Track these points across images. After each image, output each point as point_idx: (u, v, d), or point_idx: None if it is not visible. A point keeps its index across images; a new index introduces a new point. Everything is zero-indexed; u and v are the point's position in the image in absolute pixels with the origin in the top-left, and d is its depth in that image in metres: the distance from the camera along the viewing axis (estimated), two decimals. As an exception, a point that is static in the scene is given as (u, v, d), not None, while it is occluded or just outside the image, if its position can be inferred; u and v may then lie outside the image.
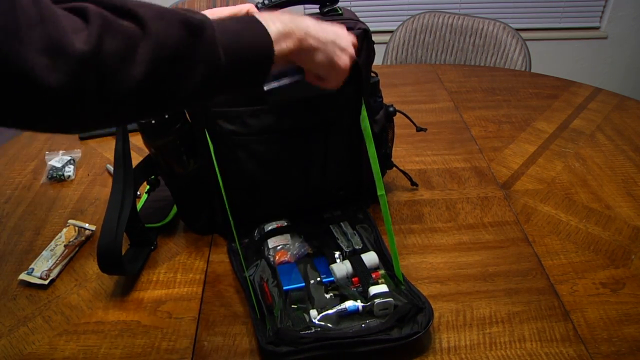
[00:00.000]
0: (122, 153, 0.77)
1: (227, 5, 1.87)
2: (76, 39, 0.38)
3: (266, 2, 0.72)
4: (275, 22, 0.55)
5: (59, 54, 0.37)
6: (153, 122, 0.71)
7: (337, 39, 0.63)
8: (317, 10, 0.75)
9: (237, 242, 0.76)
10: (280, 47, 0.55)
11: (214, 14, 0.69)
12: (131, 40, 0.42)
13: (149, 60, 0.42)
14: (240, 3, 1.83)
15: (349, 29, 0.72)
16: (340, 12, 0.74)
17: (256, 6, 0.72)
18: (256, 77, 0.55)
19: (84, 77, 0.39)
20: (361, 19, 0.75)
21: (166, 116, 0.72)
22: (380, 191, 0.71)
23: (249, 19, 0.54)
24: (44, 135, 1.15)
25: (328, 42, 0.61)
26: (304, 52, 0.59)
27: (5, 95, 0.37)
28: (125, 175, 0.74)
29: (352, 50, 0.65)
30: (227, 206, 0.73)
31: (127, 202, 0.75)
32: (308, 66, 0.62)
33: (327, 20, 0.65)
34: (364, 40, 0.73)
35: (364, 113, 0.74)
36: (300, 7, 0.74)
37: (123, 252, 0.77)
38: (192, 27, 0.46)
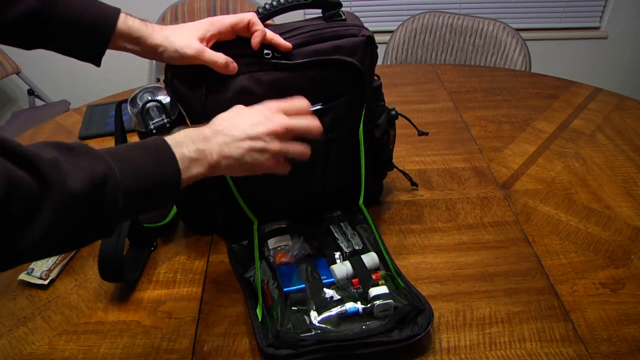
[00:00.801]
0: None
1: (227, 4, 1.87)
2: None
3: (267, 7, 0.72)
4: (187, 146, 0.55)
5: None
6: (154, 131, 0.70)
7: (254, 143, 0.60)
8: (320, 14, 0.75)
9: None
10: (190, 173, 0.56)
11: (214, 23, 0.68)
12: (33, 202, 0.42)
13: (48, 223, 0.43)
14: (240, 5, 1.83)
15: (352, 35, 0.71)
16: (343, 16, 0.73)
17: (257, 12, 0.71)
18: (161, 204, 0.56)
19: None
20: (361, 19, 0.75)
21: (165, 120, 0.71)
22: (361, 200, 0.70)
23: (158, 147, 0.54)
24: (43, 135, 1.15)
25: (245, 155, 0.60)
26: (217, 172, 0.60)
27: None
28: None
29: (272, 146, 0.61)
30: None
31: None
32: (229, 175, 0.62)
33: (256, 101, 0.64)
34: (368, 46, 0.72)
35: (361, 128, 0.73)
36: (300, 11, 0.74)
37: (123, 252, 0.78)
38: (95, 184, 0.46)
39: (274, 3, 0.71)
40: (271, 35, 0.68)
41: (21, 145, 0.43)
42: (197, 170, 0.57)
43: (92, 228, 0.48)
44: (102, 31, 0.66)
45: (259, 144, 0.61)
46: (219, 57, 0.67)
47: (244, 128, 0.61)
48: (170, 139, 0.55)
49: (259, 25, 0.68)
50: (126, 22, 0.67)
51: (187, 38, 0.67)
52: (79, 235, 0.47)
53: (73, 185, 0.44)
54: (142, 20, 0.69)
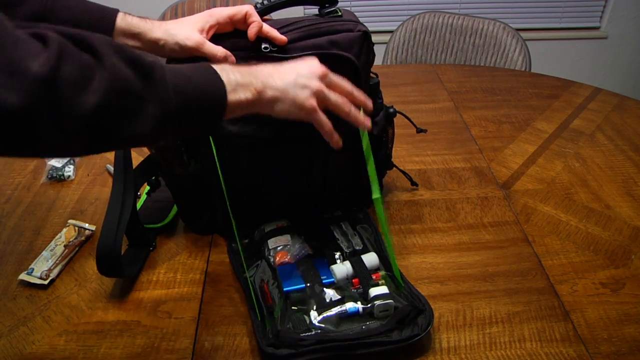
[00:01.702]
0: (123, 154, 0.77)
1: (227, 4, 1.87)
2: (34, 62, 0.39)
3: (265, 2, 0.72)
4: (233, 72, 0.56)
5: (16, 75, 0.39)
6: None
7: (298, 78, 0.61)
8: (317, 11, 0.75)
9: (238, 243, 0.76)
10: (237, 97, 0.55)
11: (213, 14, 0.69)
12: (87, 69, 0.43)
13: (102, 90, 0.43)
14: (240, 3, 1.83)
15: (348, 30, 0.72)
16: (340, 13, 0.74)
17: (255, 6, 0.72)
18: (208, 122, 0.56)
19: (38, 99, 0.40)
20: (361, 19, 0.75)
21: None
22: (376, 195, 0.70)
23: (203, 65, 0.55)
24: (43, 135, 1.15)
25: (288, 88, 0.60)
26: (264, 103, 0.59)
27: None
28: (126, 177, 0.74)
29: (314, 84, 0.62)
30: (228, 207, 0.72)
31: (127, 205, 0.75)
32: (271, 114, 0.61)
33: (295, 57, 0.65)
34: (364, 42, 0.73)
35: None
36: (300, 7, 0.74)
37: (122, 252, 0.78)
38: (143, 67, 0.47)
39: None
40: (267, 28, 0.69)
41: (74, 29, 0.45)
42: (244, 94, 0.56)
43: (147, 116, 0.47)
44: (102, 29, 0.67)
45: (302, 80, 0.61)
46: (219, 50, 0.68)
47: (290, 66, 0.62)
48: (214, 65, 0.56)
49: (255, 17, 0.69)
50: (125, 19, 0.68)
51: (187, 30, 0.68)
52: (133, 121, 0.47)
53: (123, 66, 0.45)
54: (141, 17, 0.70)
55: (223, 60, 0.68)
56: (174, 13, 1.89)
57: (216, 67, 0.55)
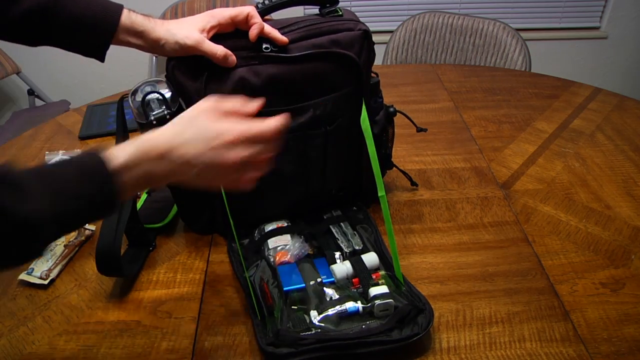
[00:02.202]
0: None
1: (227, 4, 1.87)
2: None
3: (266, 2, 0.72)
4: (132, 170, 0.51)
5: None
6: (154, 122, 0.71)
7: (201, 173, 0.54)
8: (317, 11, 0.75)
9: (238, 242, 0.76)
10: (131, 191, 0.52)
11: (214, 15, 0.69)
12: None
13: None
14: (241, 2, 1.83)
15: (348, 29, 0.72)
16: (340, 12, 0.74)
17: (256, 6, 0.72)
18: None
19: None
20: (361, 19, 0.75)
21: (165, 112, 0.72)
22: (381, 192, 0.71)
23: (97, 176, 0.49)
24: (43, 135, 1.15)
25: (193, 178, 0.54)
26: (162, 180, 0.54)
27: None
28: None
29: (239, 145, 0.54)
30: (227, 207, 0.72)
31: (126, 205, 0.75)
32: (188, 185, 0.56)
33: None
34: (364, 40, 0.73)
35: (364, 114, 0.73)
36: (301, 7, 0.74)
37: (122, 252, 0.78)
38: (16, 232, 0.44)
39: None
40: (269, 29, 0.69)
41: None
42: (133, 183, 0.52)
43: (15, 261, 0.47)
44: (106, 26, 0.67)
45: (223, 138, 0.54)
46: (218, 49, 0.68)
47: (198, 155, 0.54)
48: (116, 159, 0.50)
49: (257, 19, 0.69)
50: (129, 16, 0.68)
51: (187, 30, 0.68)
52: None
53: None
54: (144, 15, 0.70)
55: (223, 59, 0.68)
56: (174, 13, 1.89)
57: (118, 165, 0.50)
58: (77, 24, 0.67)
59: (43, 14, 0.65)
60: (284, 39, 0.70)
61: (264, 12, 0.72)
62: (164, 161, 0.53)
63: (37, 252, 0.48)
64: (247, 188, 0.58)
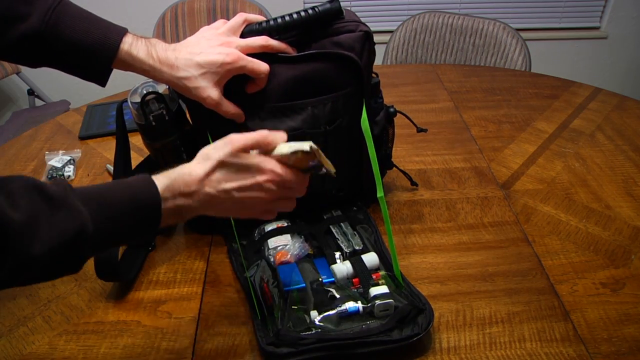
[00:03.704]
0: (122, 154, 0.77)
1: (227, 5, 1.87)
2: None
3: (271, 22, 0.71)
4: (175, 202, 0.54)
5: None
6: (153, 123, 0.71)
7: (235, 200, 0.57)
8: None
9: (238, 242, 0.76)
10: (166, 223, 0.54)
11: (231, 71, 0.67)
12: None
13: (4, 279, 0.44)
14: (241, 5, 1.83)
15: (349, 31, 0.72)
16: (342, 15, 0.74)
17: (252, 28, 0.71)
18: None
19: None
20: (361, 19, 0.75)
21: (166, 117, 0.72)
22: (380, 193, 0.71)
23: (145, 207, 0.53)
24: (43, 135, 1.15)
25: (228, 211, 0.58)
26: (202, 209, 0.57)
27: None
28: (125, 177, 0.74)
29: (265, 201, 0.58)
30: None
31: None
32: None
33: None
34: (365, 41, 0.73)
35: (364, 115, 0.73)
36: (300, 1, 0.74)
37: (121, 252, 0.78)
38: (62, 244, 0.45)
39: (279, 21, 0.70)
40: (276, 46, 0.70)
41: None
42: (171, 220, 0.55)
43: (49, 276, 0.49)
44: (104, 56, 0.64)
45: (248, 196, 0.58)
46: (231, 110, 0.68)
47: (229, 188, 0.57)
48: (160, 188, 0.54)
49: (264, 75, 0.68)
50: (130, 52, 0.64)
51: (206, 90, 0.65)
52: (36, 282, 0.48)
53: (38, 250, 0.44)
54: (147, 44, 0.66)
55: (234, 117, 0.69)
56: (174, 13, 1.89)
57: (167, 197, 0.54)
58: (74, 51, 0.64)
59: (38, 40, 0.63)
60: (293, 50, 0.71)
61: (264, 32, 0.71)
62: (193, 198, 0.55)
63: (78, 266, 0.50)
64: (270, 217, 0.62)
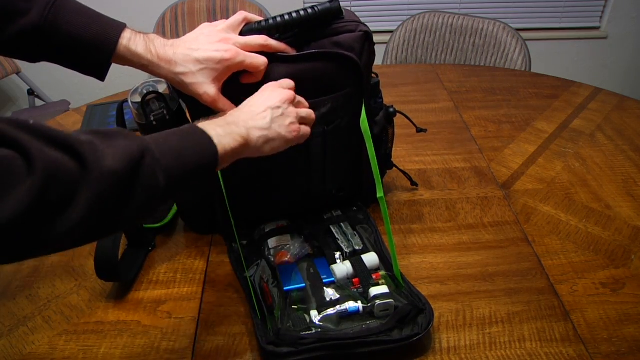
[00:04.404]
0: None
1: (227, 5, 1.87)
2: (15, 195, 0.38)
3: (271, 21, 0.71)
4: (216, 128, 0.56)
5: None
6: (154, 122, 0.71)
7: (274, 112, 0.62)
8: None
9: (238, 242, 0.76)
10: (225, 150, 0.55)
11: (230, 68, 0.67)
12: (73, 184, 0.41)
13: (88, 204, 0.42)
14: (241, 5, 1.83)
15: (349, 31, 0.72)
16: (342, 15, 0.74)
17: (252, 27, 0.71)
18: (198, 189, 0.56)
19: (21, 227, 0.39)
20: (361, 19, 0.75)
21: (165, 112, 0.72)
22: (380, 194, 0.71)
23: (192, 131, 0.54)
24: (44, 135, 1.15)
25: (271, 125, 0.62)
26: (252, 148, 0.60)
27: None
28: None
29: (290, 111, 0.64)
30: (228, 207, 0.72)
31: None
32: (261, 155, 0.63)
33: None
34: (365, 42, 0.73)
35: (363, 115, 0.73)
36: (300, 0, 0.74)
37: (121, 252, 0.78)
38: (132, 159, 0.45)
39: (278, 19, 0.70)
40: (275, 46, 0.69)
41: (56, 130, 0.42)
42: (229, 144, 0.56)
43: (134, 207, 0.46)
44: (103, 51, 0.64)
45: (278, 111, 0.63)
46: (230, 108, 0.68)
47: (260, 103, 0.63)
48: (200, 124, 0.56)
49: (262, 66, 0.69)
50: (129, 47, 0.64)
51: (204, 86, 0.66)
52: (120, 216, 0.46)
53: (111, 163, 0.44)
54: (145, 39, 0.66)
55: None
56: (174, 13, 1.89)
57: (203, 125, 0.55)
58: (73, 46, 0.64)
59: (38, 35, 0.63)
60: (292, 50, 0.70)
61: (263, 31, 0.70)
62: (234, 121, 0.59)
63: (152, 201, 0.49)
64: (303, 139, 0.67)
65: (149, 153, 0.47)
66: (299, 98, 0.68)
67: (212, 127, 0.56)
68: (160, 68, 0.65)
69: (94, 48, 0.64)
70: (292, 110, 0.65)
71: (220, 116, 0.60)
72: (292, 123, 0.64)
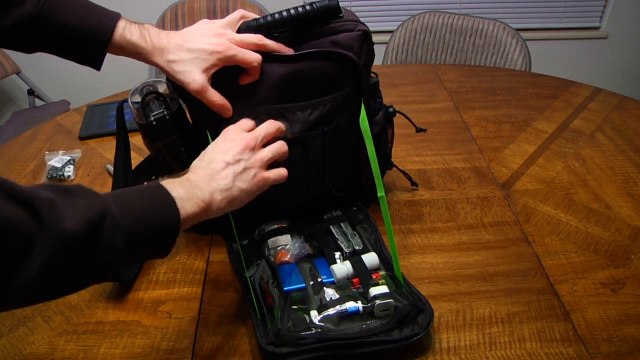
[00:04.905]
0: (122, 154, 0.77)
1: (227, 5, 1.87)
2: None
3: (269, 18, 0.71)
4: (176, 189, 0.54)
5: None
6: (154, 122, 0.71)
7: (233, 167, 0.61)
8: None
9: (238, 242, 0.76)
10: (186, 212, 0.54)
11: (221, 59, 0.67)
12: (27, 242, 0.40)
13: (42, 263, 0.41)
14: (241, 5, 1.83)
15: (348, 30, 0.72)
16: (341, 14, 0.74)
17: (250, 23, 0.71)
18: (159, 252, 0.54)
19: None
20: (361, 19, 0.75)
21: (165, 112, 0.72)
22: (380, 193, 0.71)
23: (156, 192, 0.53)
24: (43, 135, 1.15)
25: (232, 181, 0.60)
26: (214, 210, 0.59)
27: None
28: (125, 177, 0.74)
29: (252, 160, 0.63)
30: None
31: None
32: (226, 213, 0.62)
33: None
34: (364, 41, 0.73)
35: (363, 114, 0.73)
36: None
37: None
38: (91, 221, 0.44)
39: (276, 16, 0.70)
40: (272, 46, 0.69)
41: (16, 184, 0.41)
42: (191, 209, 0.55)
43: (89, 270, 0.46)
44: (99, 41, 0.65)
45: (239, 166, 0.62)
46: (217, 99, 0.67)
47: (219, 159, 0.61)
48: (164, 183, 0.55)
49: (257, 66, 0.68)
50: (124, 35, 0.65)
51: (192, 74, 0.65)
52: (74, 278, 0.45)
53: (69, 224, 0.42)
54: (140, 28, 0.66)
55: (219, 108, 0.68)
56: (174, 13, 1.89)
57: (167, 184, 0.54)
58: (69, 35, 0.64)
59: (33, 25, 0.63)
60: (289, 50, 0.70)
61: (261, 28, 0.70)
62: (196, 181, 0.58)
63: (109, 266, 0.48)
64: (283, 180, 0.67)
65: (109, 215, 0.46)
66: (263, 132, 0.66)
67: (175, 188, 0.54)
68: (154, 55, 0.66)
69: (91, 36, 0.64)
70: (255, 159, 0.63)
71: (184, 174, 0.59)
72: (256, 174, 0.62)
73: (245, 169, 0.62)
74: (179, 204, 0.53)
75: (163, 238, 0.52)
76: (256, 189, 0.63)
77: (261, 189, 0.64)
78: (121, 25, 0.65)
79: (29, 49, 0.67)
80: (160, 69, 0.68)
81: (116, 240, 0.46)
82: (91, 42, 0.65)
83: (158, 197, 0.53)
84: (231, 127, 0.66)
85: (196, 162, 0.62)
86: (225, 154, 0.62)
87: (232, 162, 0.61)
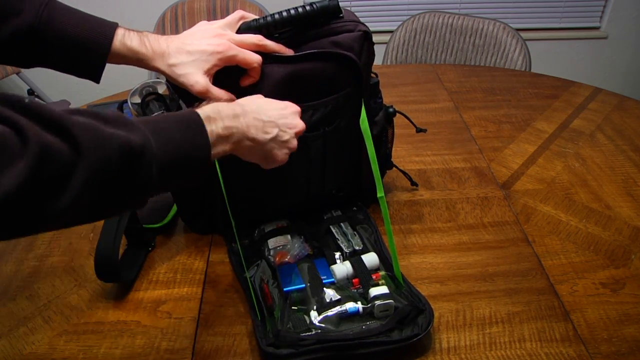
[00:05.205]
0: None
1: (227, 5, 1.87)
2: (9, 173, 0.38)
3: (269, 19, 0.71)
4: (217, 123, 0.56)
5: None
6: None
7: (279, 134, 0.63)
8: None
9: (238, 242, 0.76)
10: (217, 150, 0.56)
11: (222, 59, 0.67)
12: (67, 167, 0.41)
13: (79, 188, 0.42)
14: (241, 5, 1.83)
15: (348, 31, 0.72)
16: (341, 14, 0.74)
17: (251, 24, 0.71)
18: (188, 181, 0.55)
19: (16, 203, 0.39)
20: (361, 19, 0.75)
21: (165, 114, 0.72)
22: (380, 193, 0.71)
23: (193, 124, 0.54)
24: (43, 136, 1.15)
25: (267, 142, 0.62)
26: (238, 152, 0.61)
27: None
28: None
29: (293, 143, 0.65)
30: (228, 207, 0.72)
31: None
32: (243, 157, 0.63)
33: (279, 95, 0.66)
34: (364, 41, 0.73)
35: (363, 115, 0.73)
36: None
37: (121, 252, 0.78)
38: (131, 155, 0.45)
39: (276, 17, 0.70)
40: (272, 46, 0.69)
41: (53, 111, 0.42)
42: (222, 148, 0.57)
43: (125, 196, 0.47)
44: (99, 48, 0.64)
45: (284, 136, 0.64)
46: (223, 96, 0.67)
47: (274, 116, 0.63)
48: (202, 112, 0.55)
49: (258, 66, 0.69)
50: (124, 42, 0.65)
51: (194, 76, 0.66)
52: (110, 203, 0.46)
53: (108, 151, 0.44)
54: (139, 35, 0.66)
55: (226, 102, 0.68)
56: (174, 13, 1.89)
57: (203, 115, 0.55)
58: (68, 46, 0.64)
59: (32, 35, 0.62)
60: (289, 51, 0.70)
61: (260, 28, 0.70)
62: (239, 119, 0.59)
63: (144, 194, 0.49)
64: (284, 162, 0.67)
65: (147, 150, 0.47)
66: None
67: (212, 122, 0.55)
68: (155, 61, 0.66)
69: (91, 45, 0.64)
70: (294, 143, 0.65)
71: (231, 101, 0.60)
72: (285, 154, 0.65)
73: (284, 142, 0.64)
74: (211, 139, 0.54)
75: (193, 170, 0.54)
76: (271, 163, 0.65)
77: (273, 164, 0.66)
78: (120, 32, 0.65)
79: (26, 62, 0.66)
80: (162, 74, 0.68)
81: (152, 171, 0.48)
82: (91, 50, 0.64)
83: (193, 132, 0.54)
84: (296, 106, 0.67)
85: (247, 101, 0.63)
86: (281, 116, 0.64)
87: (282, 127, 0.63)
